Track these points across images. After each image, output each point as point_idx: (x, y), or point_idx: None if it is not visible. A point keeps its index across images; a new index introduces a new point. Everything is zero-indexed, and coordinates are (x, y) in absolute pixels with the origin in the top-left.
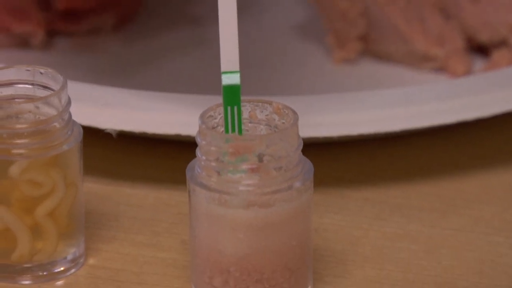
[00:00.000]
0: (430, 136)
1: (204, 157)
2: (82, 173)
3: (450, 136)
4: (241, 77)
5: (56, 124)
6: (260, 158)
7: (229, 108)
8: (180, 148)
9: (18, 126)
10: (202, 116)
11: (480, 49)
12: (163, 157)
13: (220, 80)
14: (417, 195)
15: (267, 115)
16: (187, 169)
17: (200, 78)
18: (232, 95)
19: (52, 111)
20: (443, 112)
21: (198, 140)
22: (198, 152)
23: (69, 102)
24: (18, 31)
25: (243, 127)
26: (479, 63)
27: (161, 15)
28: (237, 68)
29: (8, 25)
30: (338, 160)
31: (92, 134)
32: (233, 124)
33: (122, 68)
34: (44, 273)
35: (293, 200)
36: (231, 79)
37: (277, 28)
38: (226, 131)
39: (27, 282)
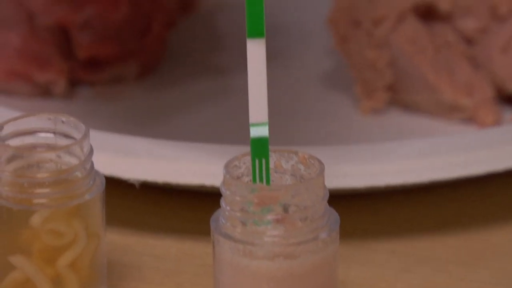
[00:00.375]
0: (458, 187)
1: (228, 208)
2: (104, 223)
3: (479, 187)
4: (268, 127)
5: (78, 174)
6: (286, 209)
7: (257, 160)
8: (204, 199)
9: (40, 175)
10: (226, 166)
11: (509, 99)
12: (186, 208)
13: (244, 130)
14: (445, 247)
15: (293, 165)
16: (211, 220)
17: (224, 128)
18: (260, 147)
19: (74, 161)
20: (471, 163)
21: (222, 190)
22: (222, 202)
23: (91, 151)
24: (40, 80)
25: None
26: (508, 113)
27: (184, 64)
28: (265, 120)
29: (30, 73)
30: (365, 212)
31: (114, 184)
32: (261, 176)
33: (145, 117)
34: None
35: (318, 251)
36: (259, 131)
37: (304, 77)
38: (254, 182)
39: None
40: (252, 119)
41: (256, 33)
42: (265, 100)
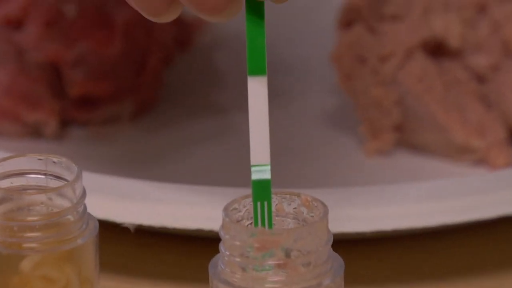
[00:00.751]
0: (469, 232)
1: (227, 252)
2: (98, 269)
3: (491, 232)
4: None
5: (70, 217)
6: (288, 254)
7: (258, 203)
8: (202, 244)
9: (30, 218)
10: (225, 209)
11: None
12: (184, 253)
13: (244, 172)
14: None
15: (295, 208)
16: (210, 266)
17: (223, 169)
18: (262, 190)
19: (65, 203)
20: (482, 207)
21: (221, 234)
22: (221, 247)
23: (84, 194)
24: (29, 120)
25: None
26: None
27: (182, 102)
28: (267, 161)
29: (19, 113)
30: (371, 257)
31: (108, 228)
32: (263, 219)
33: (140, 159)
34: None
35: None
36: (261, 173)
37: (306, 117)
38: (256, 226)
39: None
40: (253, 160)
41: (257, 71)
42: (267, 141)
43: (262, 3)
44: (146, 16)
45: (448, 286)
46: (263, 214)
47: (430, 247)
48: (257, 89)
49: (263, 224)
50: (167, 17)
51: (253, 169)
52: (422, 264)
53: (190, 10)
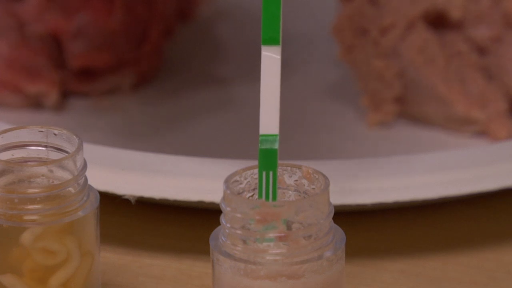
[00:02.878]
0: (470, 204)
1: (228, 225)
2: (99, 242)
3: (492, 204)
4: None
5: (71, 189)
6: (289, 226)
7: (264, 173)
8: (203, 216)
9: (31, 190)
10: (227, 181)
11: None
12: (185, 225)
13: (245, 143)
14: (456, 266)
15: (296, 180)
16: (211, 238)
17: (223, 141)
18: (268, 160)
19: (66, 175)
20: (484, 178)
21: (222, 206)
22: (222, 219)
23: (84, 166)
24: (30, 91)
25: None
26: None
27: (182, 74)
28: (276, 131)
29: (20, 84)
30: (372, 229)
31: (109, 200)
32: (268, 190)
33: (141, 131)
34: None
35: (323, 271)
36: (269, 143)
37: (308, 89)
38: (260, 196)
39: None
40: (262, 129)
41: (271, 40)
42: (277, 112)
43: None
44: None
45: (449, 258)
46: (268, 184)
47: (431, 219)
48: (270, 59)
49: (267, 194)
50: None
51: (261, 138)
52: (423, 236)
53: None
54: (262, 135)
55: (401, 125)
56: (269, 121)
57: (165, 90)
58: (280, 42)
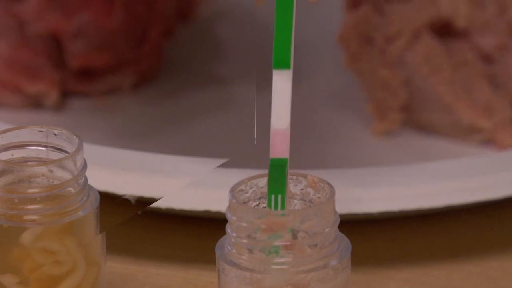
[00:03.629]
0: (476, 213)
1: (234, 234)
2: (105, 251)
3: (497, 213)
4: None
5: (71, 189)
6: (294, 235)
7: (273, 196)
8: (209, 225)
9: (31, 190)
10: (232, 190)
11: None
12: (190, 235)
13: (245, 143)
14: (461, 275)
15: (302, 189)
16: (217, 247)
17: (223, 141)
18: (277, 183)
19: (66, 175)
20: (489, 187)
21: (228, 215)
22: (228, 228)
23: (84, 166)
24: (30, 91)
25: None
26: None
27: (182, 74)
28: (286, 155)
29: (20, 84)
30: (378, 238)
31: (109, 200)
32: (276, 200)
33: (141, 130)
34: None
35: (329, 279)
36: (279, 167)
37: (313, 97)
38: (269, 205)
39: None
40: (273, 153)
41: (282, 64)
42: (288, 136)
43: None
44: None
45: (454, 267)
46: (276, 202)
47: (437, 227)
48: (281, 83)
49: (276, 205)
50: None
51: (272, 162)
52: (429, 245)
53: None
54: (273, 159)
55: (407, 134)
56: (279, 145)
57: (165, 90)
58: (291, 66)
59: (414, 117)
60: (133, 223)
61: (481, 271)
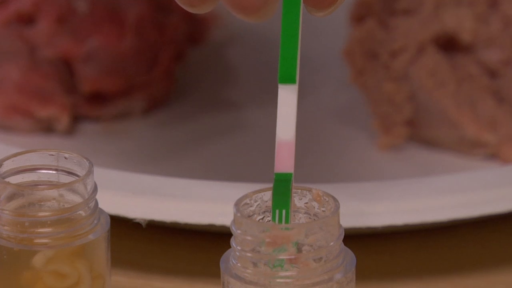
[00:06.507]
0: (481, 227)
1: (239, 248)
2: (109, 265)
3: (502, 227)
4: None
5: (82, 212)
6: (299, 249)
7: (277, 211)
8: (214, 239)
9: (41, 214)
10: (237, 204)
11: None
12: (195, 249)
13: (256, 166)
14: None
15: (306, 202)
16: (221, 261)
17: (234, 165)
18: (282, 197)
19: (77, 199)
20: (494, 201)
21: (233, 229)
22: (232, 242)
23: (95, 189)
24: (41, 116)
25: None
26: None
27: (193, 98)
28: (291, 170)
29: (31, 109)
30: (382, 252)
31: (120, 224)
32: (281, 214)
33: (152, 155)
34: None
35: None
36: (283, 182)
37: (319, 112)
38: (273, 219)
39: None
40: (277, 168)
41: (288, 79)
42: (293, 150)
43: (298, 12)
44: (182, 6)
45: (458, 281)
46: (281, 216)
47: (441, 241)
48: (286, 98)
49: (280, 219)
50: (203, 9)
51: (276, 177)
52: (433, 259)
53: (225, 7)
54: (278, 174)
55: (411, 148)
56: (284, 160)
57: (176, 114)
58: (297, 81)
59: (418, 132)
60: (138, 237)
61: (486, 285)
